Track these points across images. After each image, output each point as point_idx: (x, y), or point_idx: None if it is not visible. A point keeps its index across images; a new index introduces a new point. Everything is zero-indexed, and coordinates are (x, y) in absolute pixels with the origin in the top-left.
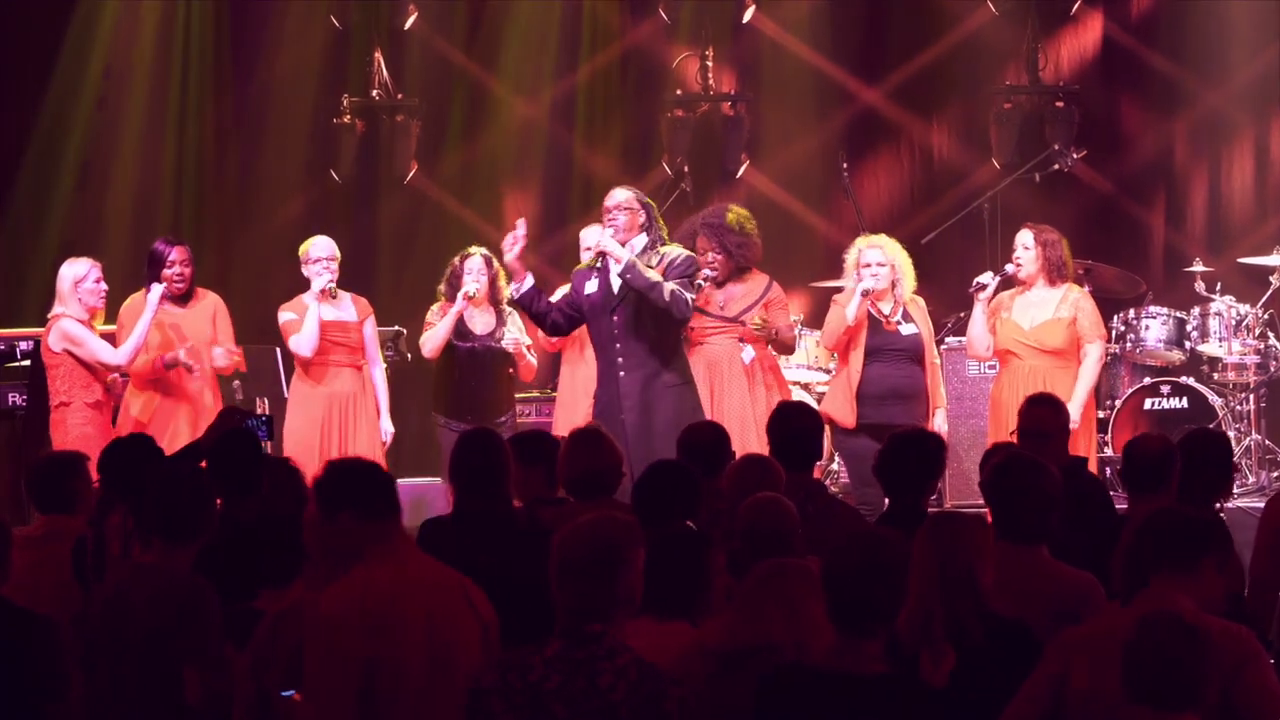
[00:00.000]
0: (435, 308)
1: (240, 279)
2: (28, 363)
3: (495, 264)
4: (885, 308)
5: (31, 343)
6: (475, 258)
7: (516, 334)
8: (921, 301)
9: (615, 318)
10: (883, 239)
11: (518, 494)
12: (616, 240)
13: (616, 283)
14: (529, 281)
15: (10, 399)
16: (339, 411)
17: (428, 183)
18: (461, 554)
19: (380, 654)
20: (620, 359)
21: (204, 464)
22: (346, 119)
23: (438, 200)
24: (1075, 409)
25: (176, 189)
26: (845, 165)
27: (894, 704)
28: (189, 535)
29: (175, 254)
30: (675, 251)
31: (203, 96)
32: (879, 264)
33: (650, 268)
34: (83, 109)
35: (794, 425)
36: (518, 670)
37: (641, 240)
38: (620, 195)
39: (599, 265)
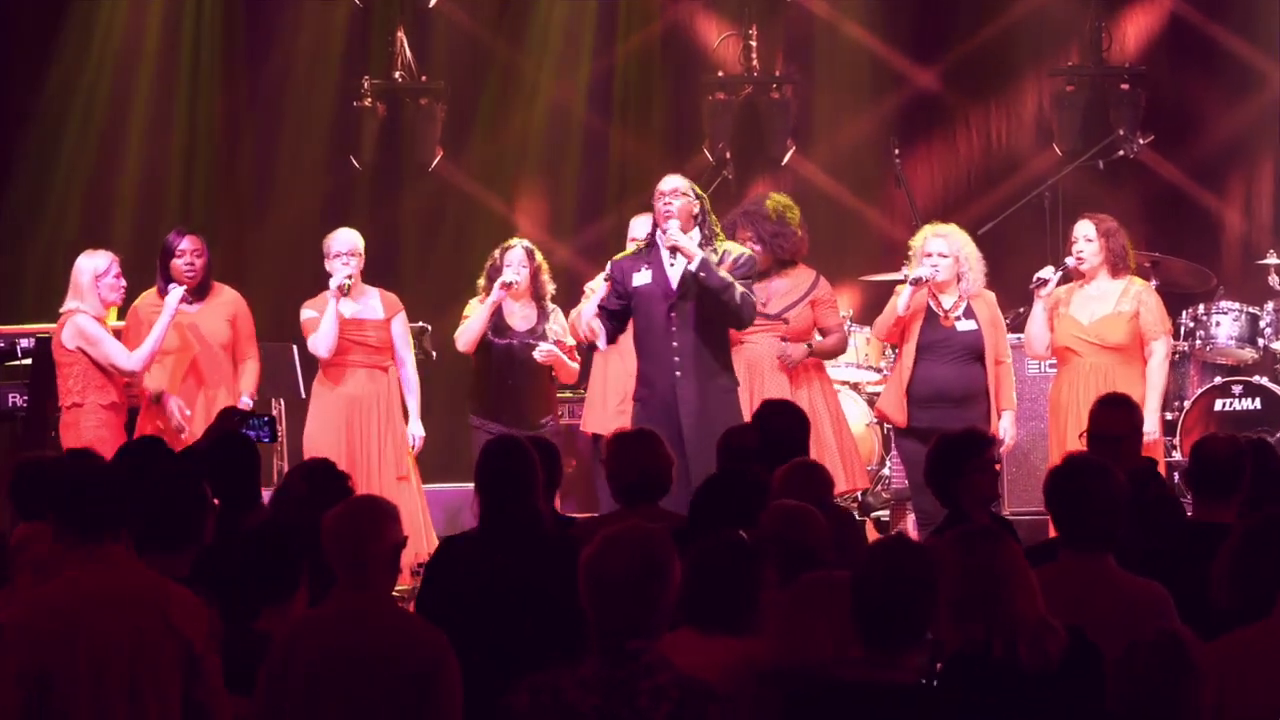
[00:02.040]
0: (474, 301)
1: (255, 272)
2: (29, 361)
3: (538, 256)
4: (946, 301)
5: (33, 340)
6: (516, 249)
7: (559, 330)
8: (991, 296)
9: (673, 314)
10: (950, 228)
11: None
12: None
13: (675, 277)
14: (603, 337)
15: (10, 399)
16: (359, 416)
17: (454, 170)
18: (486, 565)
19: (48, 668)
20: (677, 358)
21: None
22: (367, 102)
23: (464, 189)
24: (1151, 419)
25: (187, 178)
26: (897, 151)
27: (929, 714)
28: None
29: (185, 243)
30: (737, 249)
31: (215, 79)
32: (941, 254)
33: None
34: (86, 94)
35: (776, 425)
36: (550, 691)
37: (695, 235)
38: (675, 180)
39: (649, 256)
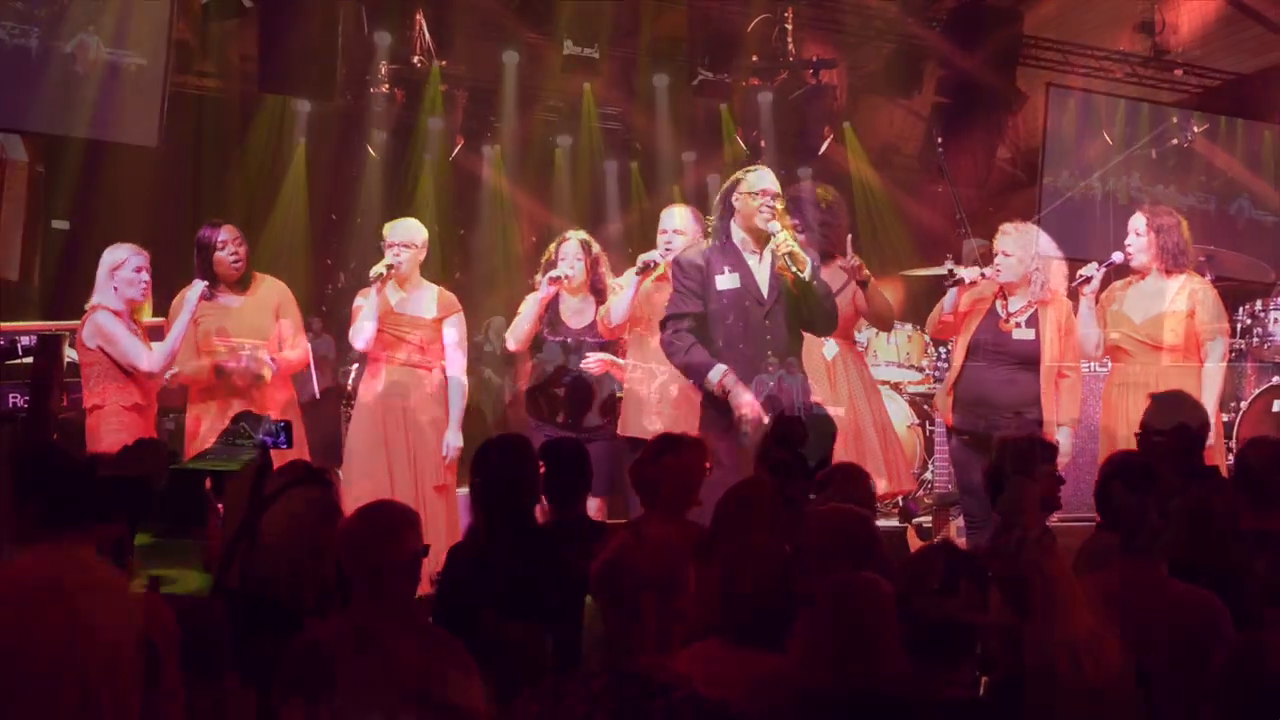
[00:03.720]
0: (530, 297)
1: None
2: (30, 360)
3: (594, 248)
4: (1013, 305)
5: (34, 338)
6: (571, 242)
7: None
8: (1067, 304)
9: (767, 321)
10: (1021, 226)
11: None
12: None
13: (765, 280)
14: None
15: (10, 399)
16: (395, 416)
17: (475, 159)
18: (482, 568)
19: (3, 647)
20: (772, 368)
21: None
22: (384, 89)
23: (486, 179)
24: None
25: (194, 167)
26: (940, 140)
27: None
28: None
29: (224, 233)
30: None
31: (223, 63)
32: (1004, 254)
33: None
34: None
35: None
36: (560, 703)
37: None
38: (771, 177)
39: (727, 256)
